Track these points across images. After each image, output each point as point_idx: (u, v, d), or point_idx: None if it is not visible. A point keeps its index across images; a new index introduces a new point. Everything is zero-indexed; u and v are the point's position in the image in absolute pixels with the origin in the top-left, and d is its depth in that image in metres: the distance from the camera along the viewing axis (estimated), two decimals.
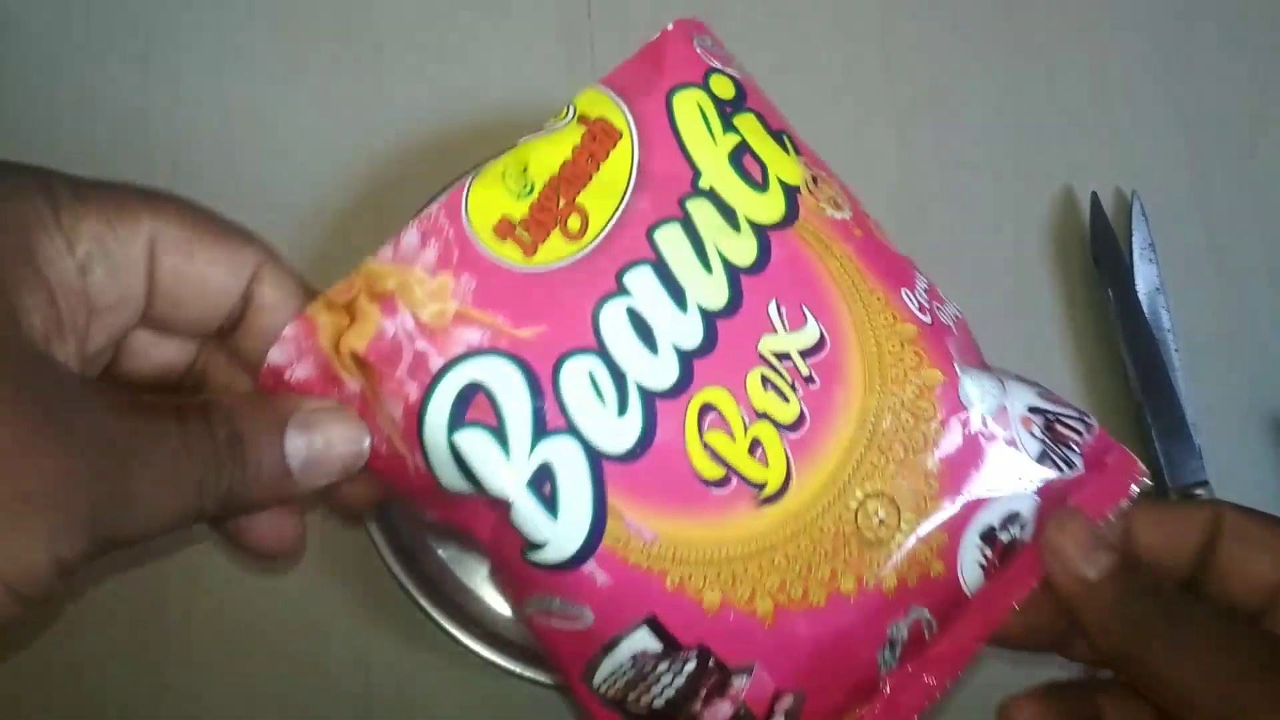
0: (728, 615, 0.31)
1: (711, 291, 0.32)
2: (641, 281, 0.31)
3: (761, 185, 0.34)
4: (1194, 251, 0.49)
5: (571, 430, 0.30)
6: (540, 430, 0.29)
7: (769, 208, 0.33)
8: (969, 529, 0.33)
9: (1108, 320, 0.47)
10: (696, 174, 0.33)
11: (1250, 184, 0.49)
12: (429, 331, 0.30)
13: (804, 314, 0.32)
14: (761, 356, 0.32)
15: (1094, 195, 0.48)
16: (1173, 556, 0.35)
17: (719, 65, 0.35)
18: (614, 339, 0.30)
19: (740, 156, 0.34)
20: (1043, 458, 0.33)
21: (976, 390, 0.33)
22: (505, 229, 0.31)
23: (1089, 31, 0.49)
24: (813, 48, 0.47)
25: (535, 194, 0.32)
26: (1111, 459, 0.34)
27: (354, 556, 0.42)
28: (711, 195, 0.33)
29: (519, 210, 0.32)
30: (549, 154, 0.32)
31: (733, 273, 0.32)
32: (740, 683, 0.31)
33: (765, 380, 0.31)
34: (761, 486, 0.31)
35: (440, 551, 0.44)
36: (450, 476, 0.29)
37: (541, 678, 0.42)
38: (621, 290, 0.31)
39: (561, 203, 0.32)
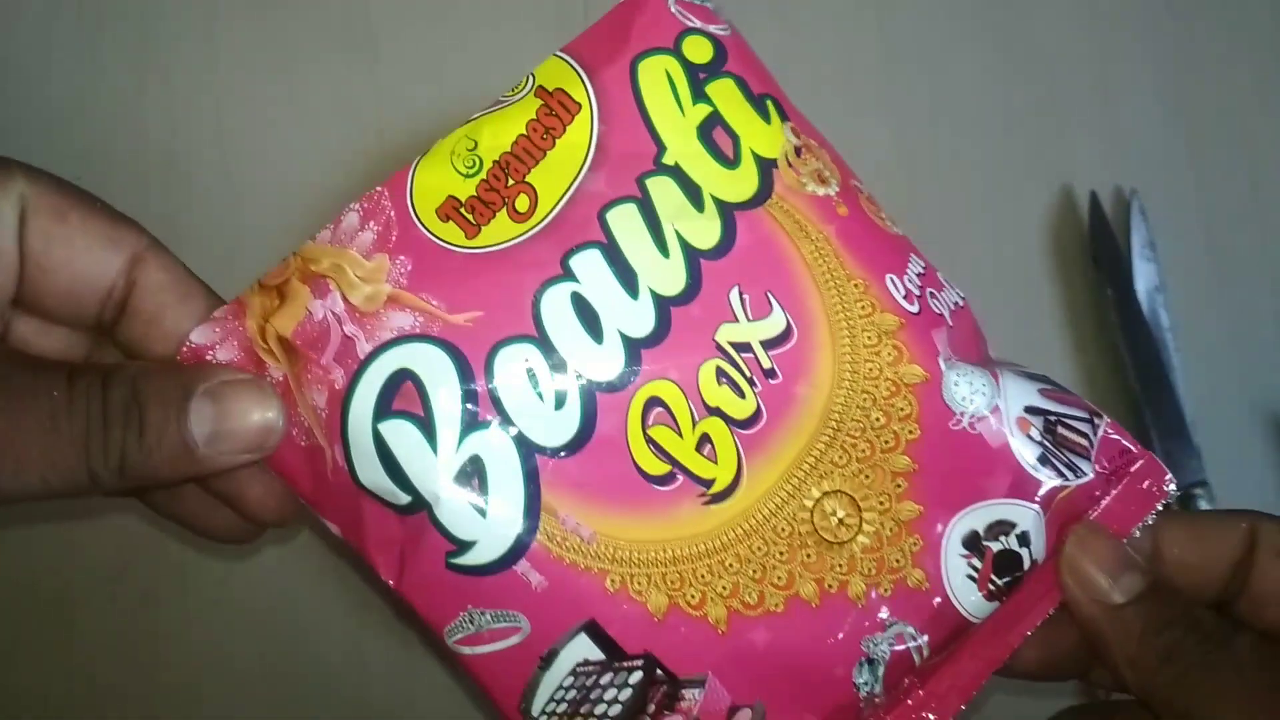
0: (676, 621, 0.28)
1: (667, 277, 0.30)
2: (589, 266, 0.29)
3: (732, 161, 0.31)
4: (1194, 251, 0.47)
5: (504, 423, 0.28)
6: (470, 422, 0.28)
7: (739, 185, 0.31)
8: (948, 535, 0.30)
9: (1107, 320, 0.46)
10: (660, 150, 0.30)
11: (1250, 184, 0.48)
12: (359, 315, 0.28)
13: (769, 302, 0.30)
14: (718, 347, 0.29)
15: (1093, 195, 0.46)
16: (1203, 574, 0.32)
17: (697, 24, 0.32)
18: (555, 326, 0.28)
19: (710, 129, 0.31)
20: (1043, 462, 0.31)
21: (965, 388, 0.31)
22: (449, 209, 0.29)
23: (1089, 31, 0.48)
24: (811, 47, 0.46)
25: (483, 172, 0.30)
26: (1137, 467, 0.32)
27: (350, 557, 0.41)
28: (675, 172, 0.30)
29: (465, 190, 0.30)
30: (501, 130, 0.30)
31: (692, 257, 0.30)
32: (693, 695, 0.28)
33: (720, 373, 0.29)
34: (709, 484, 0.29)
35: None
36: (371, 471, 0.28)
37: None
38: (567, 275, 0.29)
39: (510, 182, 0.30)
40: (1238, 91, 0.48)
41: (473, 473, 0.27)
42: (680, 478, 0.29)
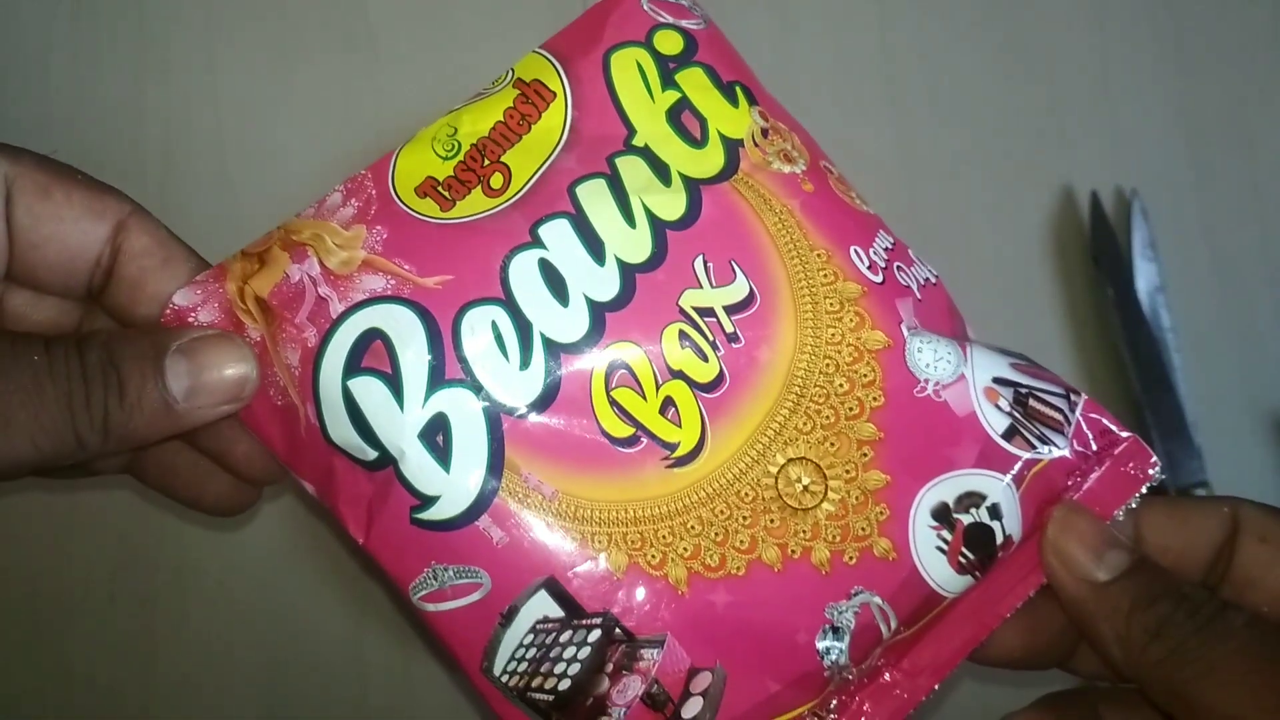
0: (635, 579, 0.28)
1: (633, 245, 0.30)
2: (557, 234, 0.30)
3: (699, 141, 0.32)
4: (1194, 251, 0.47)
5: (469, 382, 0.28)
6: (436, 380, 0.28)
7: (705, 162, 0.32)
8: (916, 505, 0.30)
9: (1108, 320, 0.45)
10: (630, 132, 0.32)
11: (1250, 184, 0.48)
12: (333, 278, 0.29)
13: (733, 270, 0.31)
14: (682, 311, 0.30)
15: (1094, 195, 0.46)
16: (1186, 558, 0.31)
17: (668, 20, 0.33)
18: (522, 290, 0.29)
19: (679, 113, 0.32)
20: (1011, 434, 0.31)
21: (929, 354, 0.31)
22: (427, 188, 0.31)
23: (1089, 31, 0.48)
24: (810, 47, 0.47)
25: (461, 154, 0.31)
26: (1121, 449, 0.31)
27: (349, 558, 0.41)
28: (644, 152, 0.31)
29: (443, 171, 0.31)
30: (480, 117, 0.32)
31: (658, 227, 0.31)
32: (651, 655, 0.28)
33: (683, 336, 0.30)
34: (674, 447, 0.29)
35: None
36: (340, 427, 0.28)
37: None
38: (535, 242, 0.30)
39: (486, 162, 0.31)
40: (1238, 91, 0.48)
41: (438, 429, 0.28)
42: (644, 440, 0.29)
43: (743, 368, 0.30)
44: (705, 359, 0.30)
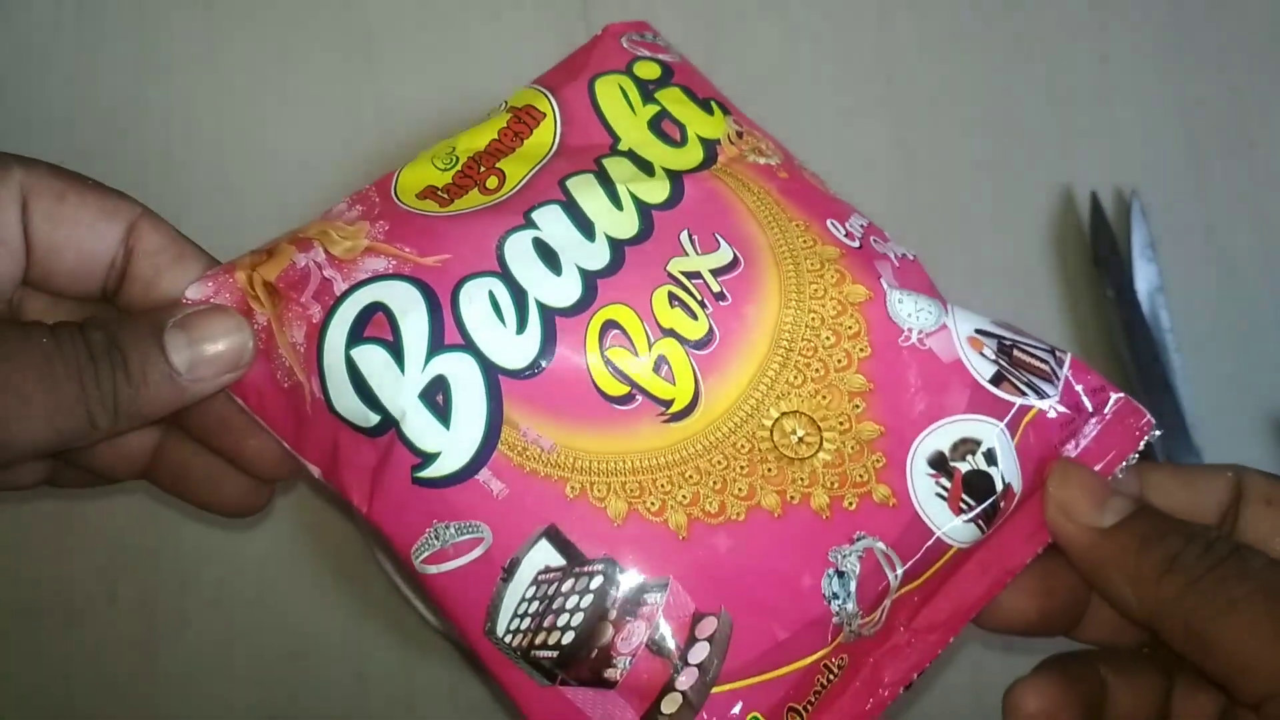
0: (636, 525, 0.29)
1: (621, 223, 0.32)
2: (549, 217, 0.32)
3: (679, 142, 0.34)
4: (1194, 251, 0.47)
5: (468, 346, 0.29)
6: (436, 345, 0.29)
7: (686, 157, 0.34)
8: (912, 454, 0.31)
9: (1108, 320, 0.46)
10: (615, 140, 0.34)
11: (1250, 184, 0.48)
12: (338, 263, 0.31)
13: (716, 240, 0.32)
14: (670, 275, 0.31)
15: (1094, 195, 0.47)
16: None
17: (646, 54, 0.37)
18: (517, 263, 0.31)
19: (660, 121, 0.34)
20: (998, 380, 0.31)
21: (910, 304, 0.32)
22: (427, 193, 0.33)
23: (1089, 31, 0.49)
24: (810, 48, 0.48)
25: (459, 165, 0.33)
26: (1114, 407, 0.32)
27: (349, 560, 0.41)
28: (629, 154, 0.34)
29: (442, 180, 0.33)
30: (477, 137, 0.34)
31: (644, 209, 0.32)
32: (654, 599, 0.28)
33: (672, 297, 0.31)
34: (668, 404, 0.30)
35: None
36: (344, 396, 0.29)
37: None
38: (529, 224, 0.31)
39: (482, 169, 0.33)
40: (1238, 91, 0.49)
41: (438, 389, 0.29)
42: (639, 398, 0.30)
43: (731, 324, 0.31)
44: (695, 317, 0.31)
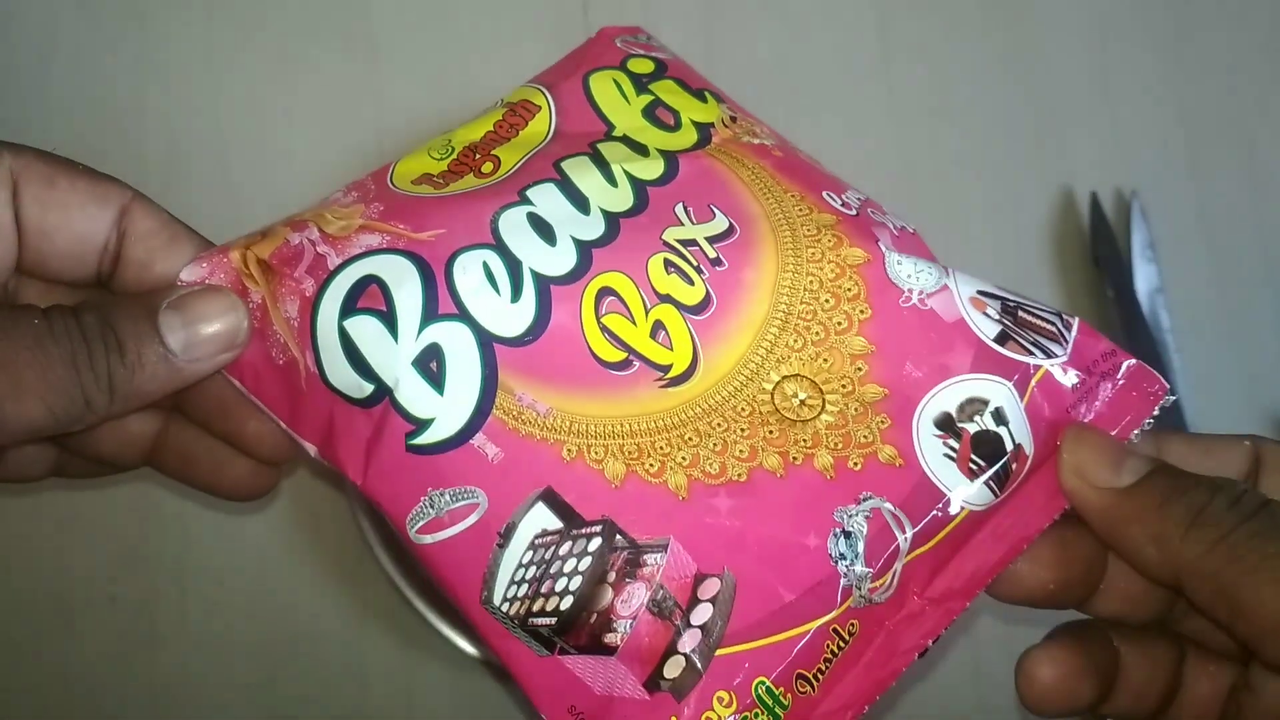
0: (634, 487, 0.28)
1: (615, 198, 0.32)
2: (543, 194, 0.32)
3: (674, 127, 0.34)
4: (1194, 251, 0.47)
5: (462, 315, 0.29)
6: (430, 315, 0.29)
7: (680, 139, 0.34)
8: (918, 415, 0.30)
9: (1108, 320, 0.45)
10: (610, 128, 0.34)
11: (1250, 184, 0.48)
12: (332, 240, 0.31)
13: (711, 211, 0.32)
14: (665, 243, 0.31)
15: (1094, 196, 0.47)
16: None
17: (641, 53, 0.37)
18: (511, 236, 0.31)
19: (654, 109, 0.35)
20: (1004, 339, 0.31)
21: (909, 266, 0.31)
22: (423, 179, 0.33)
23: (1089, 31, 0.50)
24: (810, 48, 0.48)
25: (455, 155, 0.34)
26: (1127, 371, 0.31)
27: (349, 560, 0.41)
28: (624, 139, 0.34)
29: (438, 168, 0.33)
30: (472, 130, 0.34)
31: (638, 185, 0.32)
32: (655, 560, 0.27)
33: (668, 264, 0.31)
34: (666, 369, 0.29)
35: None
36: (338, 368, 0.29)
37: None
38: (523, 201, 0.31)
39: (478, 156, 0.33)
40: (1238, 92, 0.49)
41: (431, 357, 0.29)
42: (636, 364, 0.30)
43: (728, 289, 0.31)
44: (691, 282, 0.30)
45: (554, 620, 0.27)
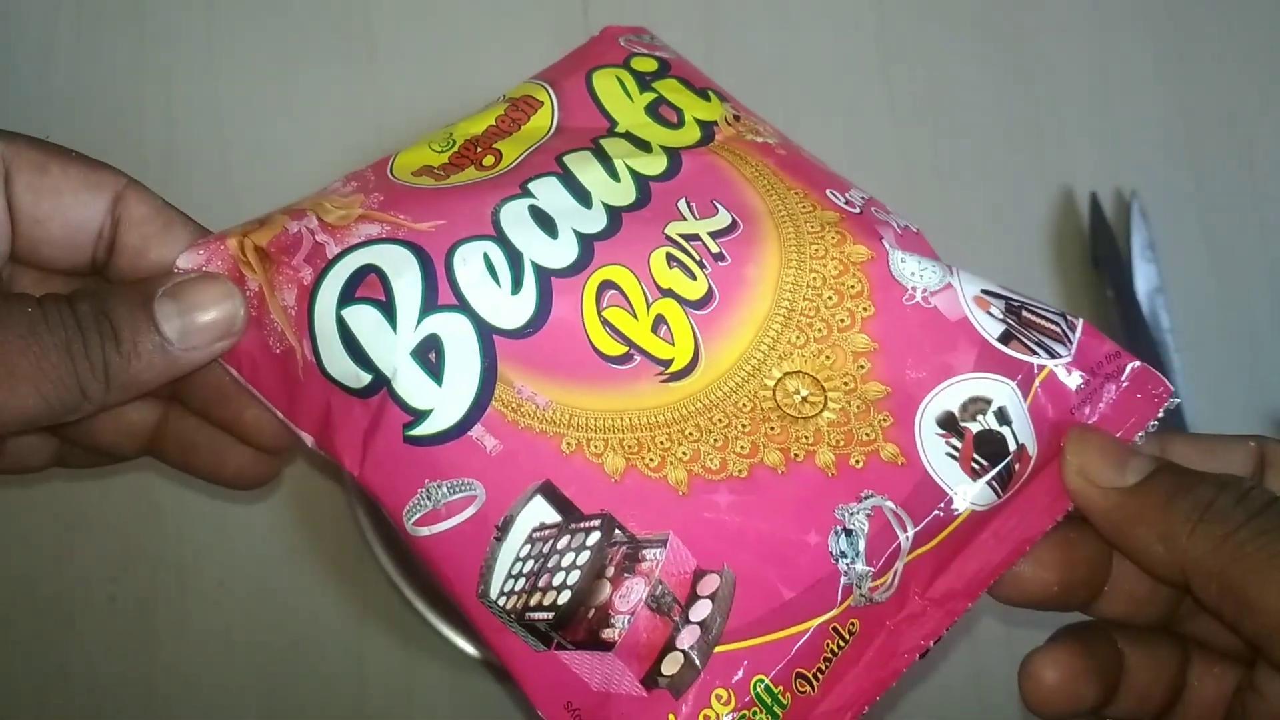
0: (634, 481, 0.28)
1: (618, 192, 0.32)
2: (545, 187, 0.31)
3: (677, 125, 0.34)
4: (1194, 251, 0.47)
5: (462, 306, 0.29)
6: (430, 305, 0.29)
7: (683, 137, 0.34)
8: (920, 414, 0.30)
9: (1108, 321, 0.45)
10: (613, 124, 0.34)
11: (1250, 184, 0.48)
12: (331, 229, 0.30)
13: (714, 206, 0.32)
14: (668, 238, 0.31)
15: (1093, 196, 0.47)
16: None
17: (644, 52, 0.37)
18: (512, 227, 0.30)
19: (657, 107, 0.34)
20: (1007, 338, 0.30)
21: (913, 264, 0.31)
22: (423, 171, 0.33)
23: (1089, 31, 0.50)
24: (810, 49, 0.48)
25: (456, 148, 0.33)
26: (1131, 373, 0.31)
27: (349, 560, 0.40)
28: (626, 135, 0.34)
29: (439, 160, 0.33)
30: (474, 124, 0.34)
31: (641, 180, 0.32)
32: (654, 555, 0.27)
33: (670, 258, 0.30)
34: (667, 364, 0.29)
35: None
36: (335, 358, 0.29)
37: None
38: (525, 194, 0.31)
39: (479, 149, 0.33)
40: (1238, 92, 0.49)
41: (430, 347, 0.29)
42: (637, 358, 0.29)
43: (731, 284, 0.30)
44: (694, 277, 0.30)
45: (551, 615, 0.27)
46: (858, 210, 0.32)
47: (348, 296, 0.29)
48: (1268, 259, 0.47)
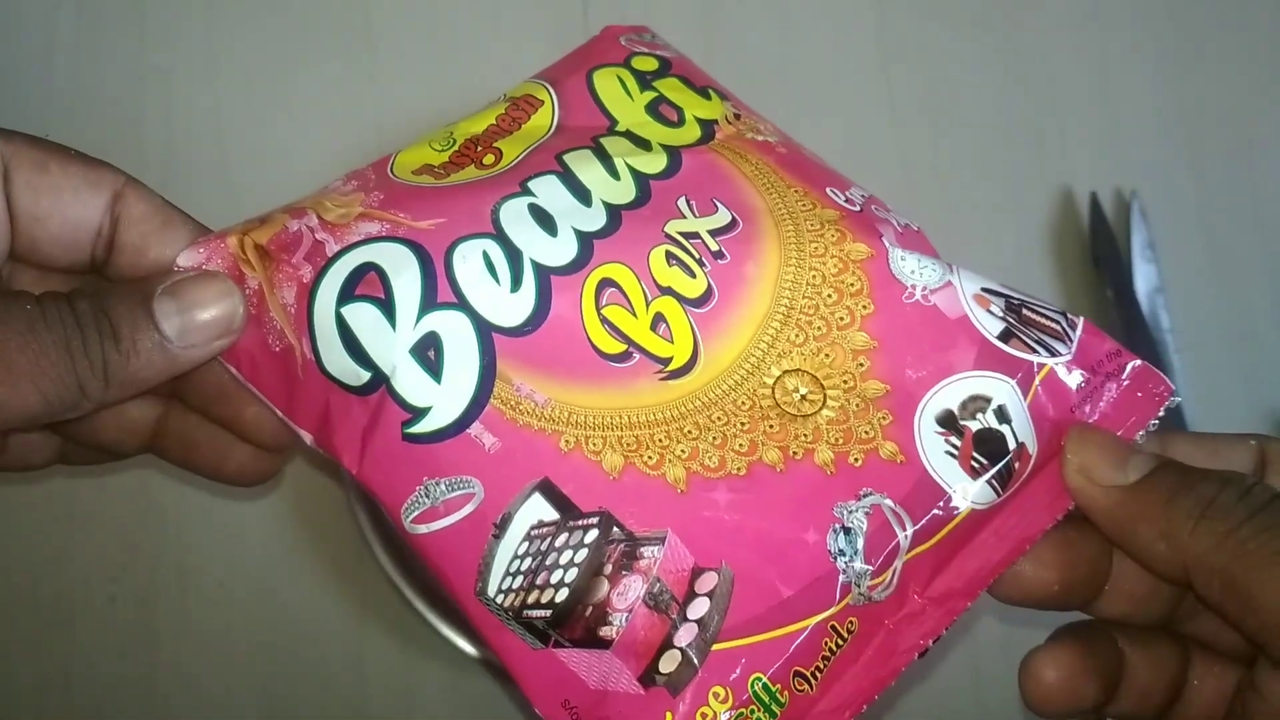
0: (632, 479, 0.28)
1: (617, 190, 0.32)
2: (545, 185, 0.31)
3: (677, 123, 0.34)
4: (1194, 251, 0.47)
5: (461, 304, 0.29)
6: (429, 303, 0.29)
7: (684, 135, 0.34)
8: (920, 412, 0.30)
9: (1108, 321, 0.45)
10: (613, 123, 0.34)
11: (1250, 184, 0.48)
12: (331, 227, 0.30)
13: (714, 204, 0.32)
14: (668, 235, 0.31)
15: (1093, 196, 0.47)
16: None
17: (645, 51, 0.37)
18: (512, 226, 0.30)
19: (657, 105, 0.34)
20: (1007, 336, 0.30)
21: (913, 262, 0.31)
22: (424, 170, 0.33)
23: (1089, 32, 0.50)
24: (810, 49, 0.48)
25: (456, 147, 0.33)
26: (1132, 372, 0.31)
27: (349, 560, 0.40)
28: (626, 134, 0.34)
29: (439, 159, 0.33)
30: (475, 123, 0.34)
31: (641, 178, 0.32)
32: (652, 553, 0.27)
33: (670, 256, 0.30)
34: (666, 361, 0.29)
35: None
36: (335, 356, 0.29)
37: None
38: (524, 192, 0.31)
39: (479, 148, 0.33)
40: (1237, 92, 0.49)
41: (429, 345, 0.29)
42: (636, 356, 0.29)
43: (730, 283, 0.30)
44: (693, 275, 0.30)
45: (549, 612, 0.27)
46: (858, 208, 0.32)
47: (347, 294, 0.29)
48: (1268, 259, 0.47)
